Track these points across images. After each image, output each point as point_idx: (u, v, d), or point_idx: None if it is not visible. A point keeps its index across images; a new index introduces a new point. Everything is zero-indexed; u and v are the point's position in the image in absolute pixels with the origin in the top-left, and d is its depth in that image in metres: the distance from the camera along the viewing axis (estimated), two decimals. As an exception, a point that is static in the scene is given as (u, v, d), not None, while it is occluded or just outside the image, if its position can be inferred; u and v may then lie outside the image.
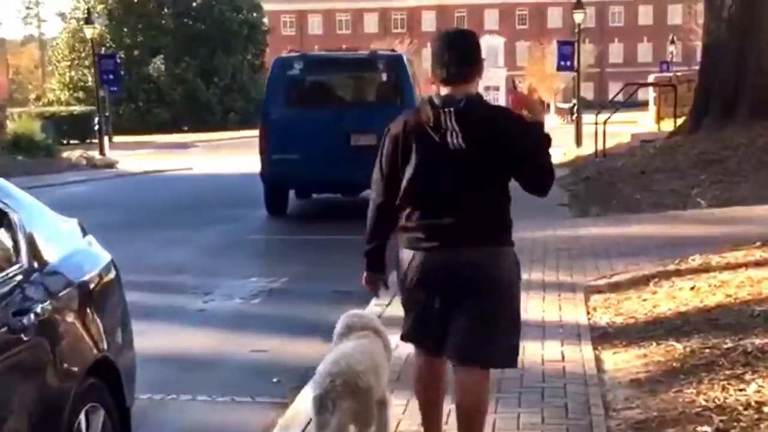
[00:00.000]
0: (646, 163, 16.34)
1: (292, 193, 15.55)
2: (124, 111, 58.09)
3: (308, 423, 4.78)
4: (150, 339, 6.94)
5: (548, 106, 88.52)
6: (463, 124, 4.03)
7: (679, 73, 30.09)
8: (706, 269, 8.39)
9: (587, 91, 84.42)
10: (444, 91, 4.13)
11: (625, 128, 27.07)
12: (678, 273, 8.42)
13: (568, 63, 30.68)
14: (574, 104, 53.72)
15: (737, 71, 17.27)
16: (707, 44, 18.10)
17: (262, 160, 14.51)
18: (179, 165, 29.05)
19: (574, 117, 38.05)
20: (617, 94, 24.69)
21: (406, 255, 4.19)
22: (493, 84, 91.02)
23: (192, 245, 12.47)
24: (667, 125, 22.65)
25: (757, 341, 5.83)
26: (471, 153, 4.03)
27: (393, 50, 15.46)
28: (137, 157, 34.46)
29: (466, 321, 4.07)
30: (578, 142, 26.97)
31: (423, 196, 4.14)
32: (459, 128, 4.03)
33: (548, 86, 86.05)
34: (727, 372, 5.41)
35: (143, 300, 8.33)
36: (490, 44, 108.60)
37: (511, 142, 4.06)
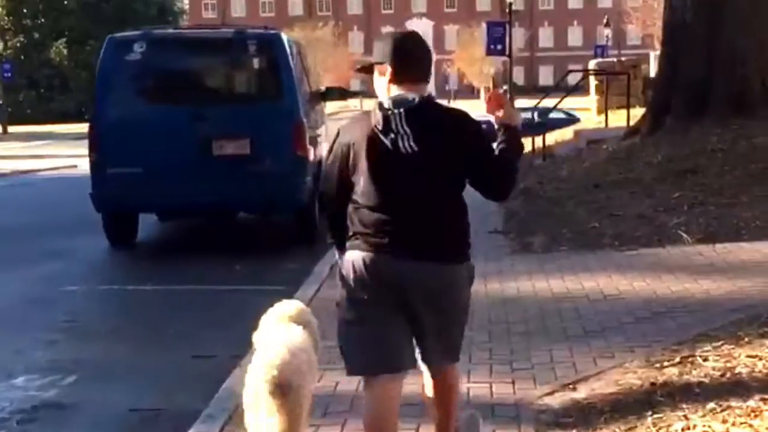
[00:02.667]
0: (599, 173, 12.99)
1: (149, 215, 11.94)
2: (24, 98, 54.09)
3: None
4: None
5: (478, 92, 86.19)
6: (415, 125, 3.91)
7: (623, 59, 26.86)
8: (726, 370, 5.11)
9: (518, 76, 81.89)
10: (394, 91, 3.99)
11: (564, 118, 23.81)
12: (686, 386, 5.09)
13: (499, 47, 28.02)
14: (506, 90, 50.93)
15: (708, 58, 13.97)
16: (669, 24, 14.73)
17: (93, 176, 10.83)
18: (64, 162, 25.92)
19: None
20: (562, 79, 21.53)
21: (357, 263, 3.95)
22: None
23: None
24: (616, 120, 19.36)
25: None
26: (424, 156, 3.90)
27: (268, 28, 11.83)
28: (29, 149, 31.21)
29: (432, 328, 4.01)
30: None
31: (376, 205, 3.94)
32: (410, 130, 3.91)
33: (478, 71, 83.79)
34: None
35: None
36: (418, 28, 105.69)
37: (466, 145, 3.94)
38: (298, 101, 10.72)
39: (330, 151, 4.13)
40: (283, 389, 3.90)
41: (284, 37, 11.06)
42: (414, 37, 4.13)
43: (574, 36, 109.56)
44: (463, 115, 4.06)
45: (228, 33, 11.14)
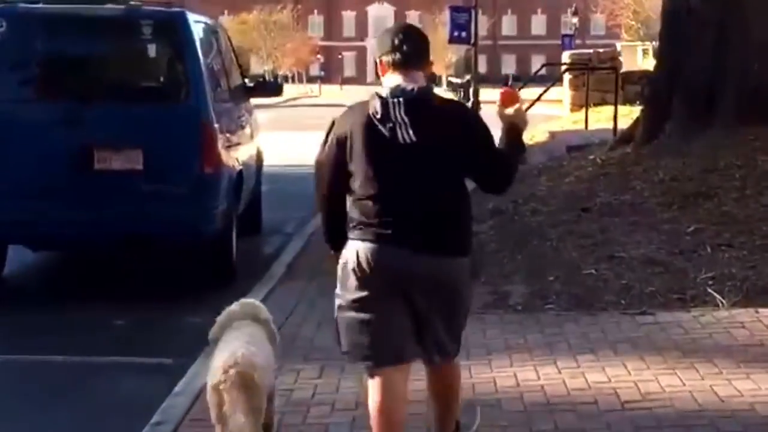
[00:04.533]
0: (586, 193, 10.56)
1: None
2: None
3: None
4: None
5: (439, 80, 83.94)
6: (413, 115, 3.90)
7: (600, 50, 24.53)
8: None
9: (480, 65, 79.42)
10: (393, 78, 4.00)
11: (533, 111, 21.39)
12: None
13: (463, 34, 25.75)
14: (469, 80, 48.46)
15: (717, 52, 11.56)
16: (670, 11, 12.28)
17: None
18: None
19: (470, 95, 32.92)
20: (538, 71, 20.83)
21: (359, 256, 3.94)
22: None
23: None
24: (596, 120, 17.01)
25: None
26: (422, 146, 3.89)
27: (171, 4, 9.24)
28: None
29: (434, 320, 4.01)
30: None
31: (374, 196, 3.93)
32: (409, 120, 3.90)
33: (439, 58, 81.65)
34: None
35: None
36: (379, 14, 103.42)
37: (464, 137, 3.95)
38: (208, 100, 8.22)
39: (324, 143, 4.16)
40: (244, 385, 4.06)
41: (191, 16, 8.48)
42: (407, 27, 4.27)
43: (538, 24, 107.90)
44: (462, 107, 4.37)
45: (116, 10, 8.47)
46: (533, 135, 18.57)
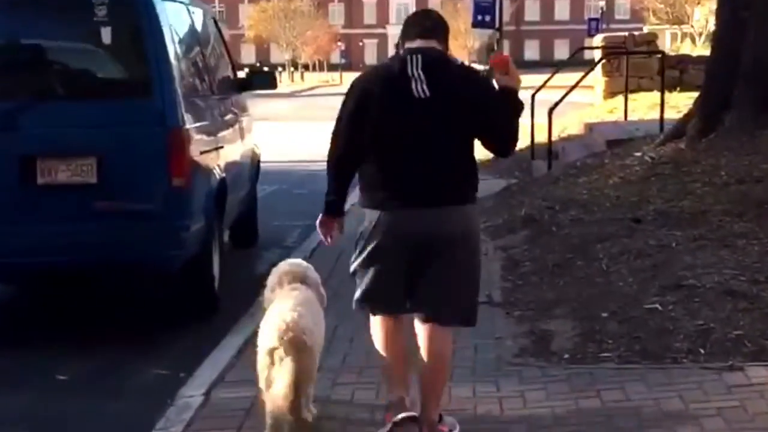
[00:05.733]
0: (636, 197, 8.96)
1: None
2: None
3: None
4: None
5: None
6: (429, 71, 4.10)
7: (635, 33, 22.78)
8: None
9: (504, 51, 77.53)
10: (414, 43, 4.24)
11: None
12: None
13: (487, 18, 24.14)
14: (492, 67, 46.85)
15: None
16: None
17: None
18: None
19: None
20: (574, 54, 20.88)
21: (370, 215, 4.23)
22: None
23: None
24: (631, 108, 15.36)
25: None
26: (435, 101, 4.08)
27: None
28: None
29: (431, 282, 4.21)
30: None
31: (386, 147, 4.16)
32: (425, 76, 4.08)
33: (461, 44, 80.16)
34: None
35: None
36: (401, 0, 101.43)
37: (474, 94, 4.15)
38: (177, 97, 6.65)
39: (344, 105, 4.25)
40: (297, 349, 4.20)
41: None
42: (428, 10, 4.65)
43: (562, 9, 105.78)
44: (474, 70, 4.55)
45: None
46: (565, 126, 16.97)
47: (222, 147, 7.78)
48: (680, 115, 12.41)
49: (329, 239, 4.44)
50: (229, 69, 9.24)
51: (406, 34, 4.28)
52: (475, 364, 5.65)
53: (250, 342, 5.47)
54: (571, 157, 12.65)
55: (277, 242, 10.20)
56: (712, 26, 64.60)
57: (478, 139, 4.20)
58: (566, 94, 12.27)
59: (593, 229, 8.29)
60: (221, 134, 7.89)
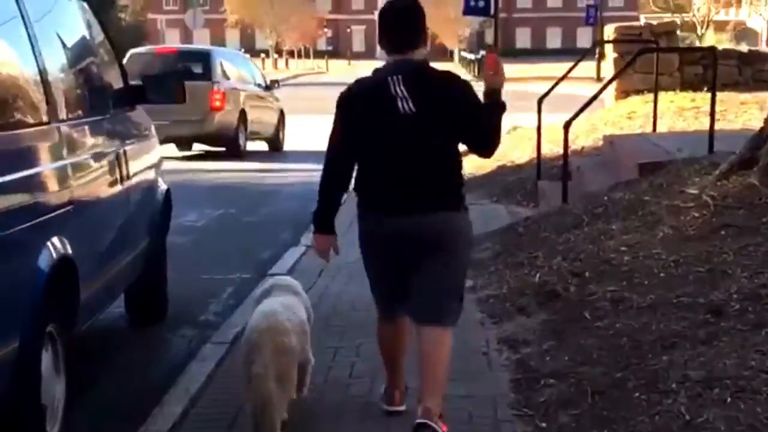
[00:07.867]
0: (703, 265, 6.10)
1: None
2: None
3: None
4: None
5: (451, 54, 79.56)
6: (413, 89, 4.24)
7: (654, 22, 19.96)
8: None
9: (492, 38, 74.90)
10: (391, 57, 4.35)
11: (565, 90, 16.71)
12: None
13: (481, 4, 21.54)
14: (483, 56, 43.96)
15: None
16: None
17: None
18: None
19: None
20: (592, 47, 16.73)
21: (363, 219, 4.44)
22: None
23: None
24: (644, 112, 12.57)
25: None
26: (422, 117, 4.23)
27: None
28: None
29: (422, 284, 4.35)
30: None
31: (376, 163, 4.32)
32: (408, 93, 4.23)
33: (451, 32, 77.58)
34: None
35: None
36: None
37: (459, 105, 4.28)
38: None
39: (335, 121, 4.40)
40: (276, 348, 4.26)
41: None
42: (396, 7, 4.41)
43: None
44: (454, 77, 4.44)
45: None
46: (576, 134, 14.07)
47: (69, 204, 4.88)
48: (725, 125, 9.61)
49: (328, 259, 4.69)
50: (115, 76, 6.38)
51: (381, 40, 4.39)
52: None
53: None
54: (591, 183, 9.81)
55: (193, 315, 7.33)
56: (714, 15, 62.02)
57: (462, 142, 4.36)
58: (583, 108, 9.48)
59: (649, 323, 5.47)
60: (72, 182, 4.99)
